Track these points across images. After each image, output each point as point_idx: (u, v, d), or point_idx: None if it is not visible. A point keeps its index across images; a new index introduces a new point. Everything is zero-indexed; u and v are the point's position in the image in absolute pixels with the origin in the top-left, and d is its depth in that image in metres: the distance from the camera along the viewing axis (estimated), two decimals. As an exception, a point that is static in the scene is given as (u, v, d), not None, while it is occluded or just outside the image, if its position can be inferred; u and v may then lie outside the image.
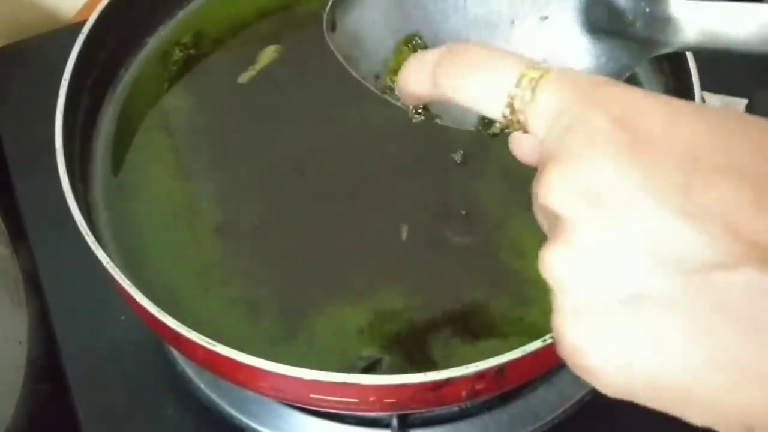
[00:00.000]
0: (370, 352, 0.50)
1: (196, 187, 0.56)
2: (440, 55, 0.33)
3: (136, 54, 0.61)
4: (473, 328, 0.50)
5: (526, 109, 0.29)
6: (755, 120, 0.27)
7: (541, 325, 0.44)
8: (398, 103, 0.41)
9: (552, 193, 0.27)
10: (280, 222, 0.55)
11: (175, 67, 0.61)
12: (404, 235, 0.53)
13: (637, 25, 0.39)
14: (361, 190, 0.56)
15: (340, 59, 0.42)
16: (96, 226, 0.53)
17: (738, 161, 0.25)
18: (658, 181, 0.25)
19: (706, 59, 0.53)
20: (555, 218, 0.28)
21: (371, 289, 0.52)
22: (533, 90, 0.29)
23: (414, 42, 0.42)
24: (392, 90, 0.42)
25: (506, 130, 0.42)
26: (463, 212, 0.40)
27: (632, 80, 0.58)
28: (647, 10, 0.38)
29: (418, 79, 0.34)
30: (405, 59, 0.42)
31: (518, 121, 0.30)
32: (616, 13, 0.40)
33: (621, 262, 0.26)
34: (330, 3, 0.43)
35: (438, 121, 0.43)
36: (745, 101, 0.50)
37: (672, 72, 0.55)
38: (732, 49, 0.36)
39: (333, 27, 0.43)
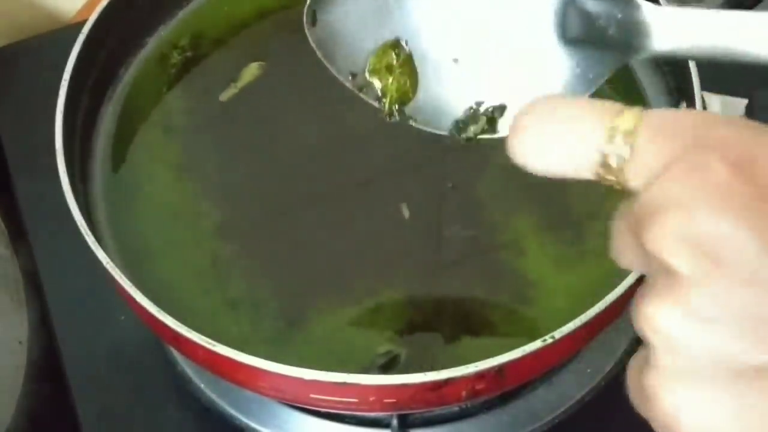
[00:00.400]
0: (368, 352, 0.50)
1: (196, 187, 0.56)
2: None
3: (136, 54, 0.60)
4: (473, 327, 0.50)
5: (624, 167, 0.27)
6: None
7: (541, 325, 0.44)
8: (373, 102, 0.41)
9: (668, 244, 0.25)
10: (280, 222, 0.55)
11: (174, 70, 0.61)
12: (406, 213, 0.53)
13: (611, 31, 0.38)
14: (360, 190, 0.56)
15: (318, 54, 0.43)
16: (96, 226, 0.53)
17: None
18: None
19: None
20: (666, 269, 0.25)
21: (371, 290, 0.52)
22: (632, 146, 0.26)
23: (398, 50, 0.43)
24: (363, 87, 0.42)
25: (481, 135, 0.42)
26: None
27: (631, 80, 0.58)
28: (619, 16, 0.38)
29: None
30: (388, 62, 0.42)
31: (617, 182, 0.27)
32: (589, 20, 0.39)
33: (739, 330, 0.24)
34: None
35: (412, 122, 0.43)
36: (745, 101, 0.50)
37: (672, 72, 0.55)
38: (709, 58, 0.36)
39: (313, 21, 0.43)
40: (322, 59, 0.43)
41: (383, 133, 0.57)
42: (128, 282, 0.45)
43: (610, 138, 0.27)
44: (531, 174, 0.29)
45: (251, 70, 0.55)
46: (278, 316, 0.51)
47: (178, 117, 0.59)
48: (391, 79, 0.43)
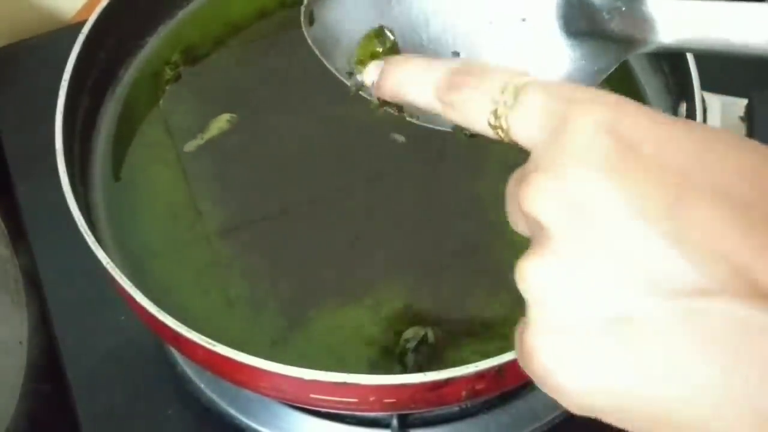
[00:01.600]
0: (369, 352, 0.50)
1: (196, 187, 0.56)
2: (448, 73, 0.32)
3: (136, 54, 0.61)
4: (473, 328, 0.50)
5: (508, 115, 0.29)
6: (750, 143, 0.26)
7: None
8: (372, 99, 0.41)
9: (537, 200, 0.26)
10: (280, 222, 0.55)
11: (174, 71, 0.61)
12: (400, 140, 0.53)
13: (614, 24, 0.38)
14: (360, 190, 0.56)
15: (317, 53, 0.43)
16: (96, 226, 0.53)
17: (727, 185, 0.25)
18: (644, 200, 0.25)
19: (706, 59, 0.53)
20: (538, 227, 0.27)
21: (371, 289, 0.52)
22: (515, 95, 0.29)
23: (383, 37, 0.42)
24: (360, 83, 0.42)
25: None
26: (458, 209, 0.40)
27: (631, 80, 0.58)
28: (623, 8, 0.38)
29: (420, 91, 0.33)
30: (373, 51, 0.42)
31: (502, 129, 0.29)
32: (592, 12, 0.39)
33: (604, 281, 0.25)
34: None
35: (412, 119, 0.43)
36: (745, 101, 0.50)
37: (672, 72, 0.55)
38: (714, 51, 0.36)
39: (311, 20, 0.43)
40: (321, 58, 0.43)
41: (382, 133, 0.57)
42: (128, 282, 0.45)
43: (503, 90, 0.29)
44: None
45: (214, 128, 0.55)
46: (278, 316, 0.51)
47: (178, 117, 0.59)
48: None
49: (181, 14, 0.63)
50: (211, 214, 0.55)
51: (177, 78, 0.61)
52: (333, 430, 0.57)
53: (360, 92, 0.42)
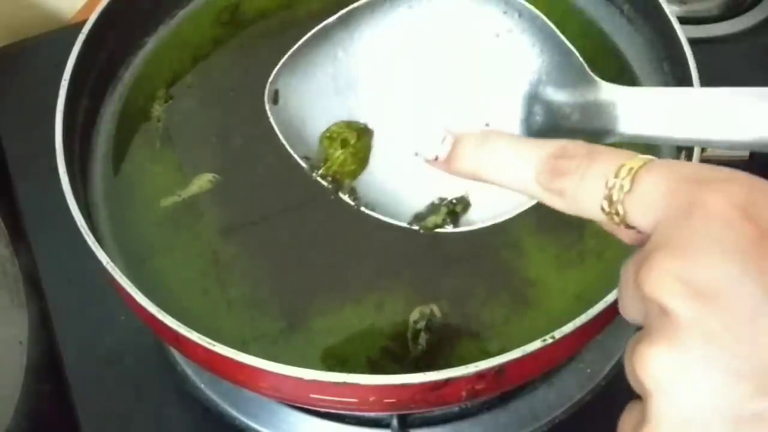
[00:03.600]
0: (370, 352, 0.50)
1: (196, 187, 0.56)
2: (550, 156, 0.30)
3: (136, 54, 0.61)
4: (473, 328, 0.50)
5: (625, 199, 0.27)
6: None
7: (541, 326, 0.44)
8: (325, 184, 0.41)
9: (664, 284, 0.24)
10: (280, 221, 0.55)
11: (175, 70, 0.61)
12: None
13: (574, 117, 0.38)
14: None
15: (278, 134, 0.42)
16: (96, 227, 0.53)
17: None
18: None
19: (705, 57, 0.53)
20: (660, 312, 0.25)
21: (371, 289, 0.52)
22: (632, 178, 0.27)
23: (361, 134, 0.43)
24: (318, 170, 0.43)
25: (440, 229, 0.42)
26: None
27: (631, 80, 0.58)
28: (582, 99, 0.38)
29: (514, 175, 0.31)
30: (345, 138, 0.42)
31: (617, 214, 0.27)
32: (555, 109, 0.39)
33: (739, 375, 0.23)
34: (274, 73, 0.43)
35: (367, 210, 0.43)
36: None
37: (672, 71, 0.55)
38: (676, 140, 0.36)
39: (275, 100, 0.43)
40: (281, 138, 0.43)
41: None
42: (128, 282, 0.45)
43: (616, 173, 0.27)
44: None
45: (195, 186, 0.55)
46: (278, 316, 0.51)
47: (179, 117, 0.59)
48: (339, 152, 0.43)
49: (182, 14, 0.63)
50: (210, 213, 0.55)
51: (179, 78, 0.61)
52: (333, 430, 0.57)
53: (316, 178, 0.42)
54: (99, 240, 0.47)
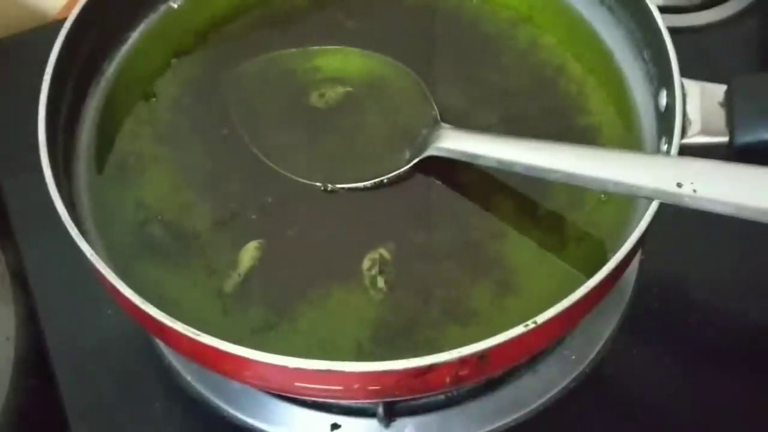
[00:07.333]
0: (357, 340, 0.50)
1: (181, 179, 0.56)
2: None
3: (120, 47, 0.61)
4: (459, 315, 0.51)
5: None
6: None
7: (524, 311, 0.44)
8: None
9: None
10: (267, 213, 0.55)
11: (158, 65, 0.61)
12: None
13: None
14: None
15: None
16: (81, 220, 0.53)
17: None
18: None
19: (686, 46, 0.53)
20: None
21: (357, 277, 0.52)
22: None
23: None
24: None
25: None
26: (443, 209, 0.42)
27: (612, 69, 0.58)
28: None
29: None
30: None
31: None
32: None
33: None
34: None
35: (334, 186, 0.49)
36: (724, 87, 0.51)
37: (652, 59, 0.55)
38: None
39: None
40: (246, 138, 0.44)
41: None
42: (112, 273, 0.45)
43: None
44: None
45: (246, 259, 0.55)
46: (263, 306, 0.51)
47: (164, 110, 0.59)
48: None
49: (164, 8, 0.63)
50: (196, 204, 0.55)
51: (163, 72, 0.61)
52: (320, 419, 0.57)
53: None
54: (84, 233, 0.47)
